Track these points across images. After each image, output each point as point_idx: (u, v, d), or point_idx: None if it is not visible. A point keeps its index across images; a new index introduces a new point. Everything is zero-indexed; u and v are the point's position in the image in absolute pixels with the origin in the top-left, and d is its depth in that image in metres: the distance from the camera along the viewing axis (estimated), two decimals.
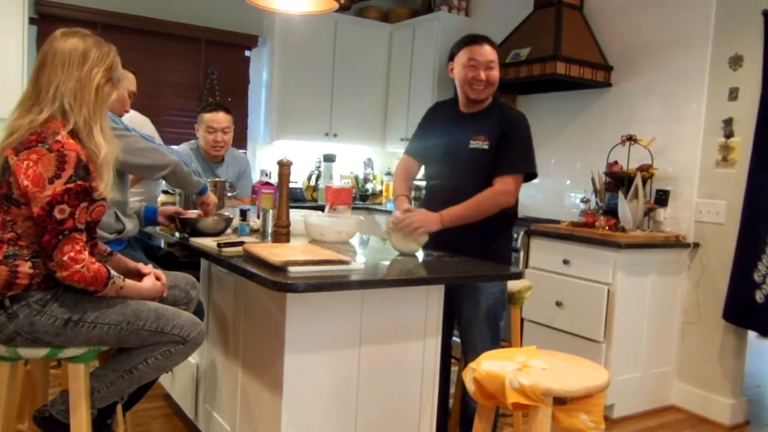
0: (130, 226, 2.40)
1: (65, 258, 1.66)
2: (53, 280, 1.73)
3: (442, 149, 2.56)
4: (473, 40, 2.47)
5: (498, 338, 2.47)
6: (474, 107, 2.51)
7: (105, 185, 1.75)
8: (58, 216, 1.65)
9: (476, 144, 2.44)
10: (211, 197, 2.59)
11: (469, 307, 2.43)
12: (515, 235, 3.73)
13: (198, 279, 2.26)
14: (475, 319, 2.43)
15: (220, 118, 3.33)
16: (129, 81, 2.54)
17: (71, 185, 1.66)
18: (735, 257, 3.22)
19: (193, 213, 2.58)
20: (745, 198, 3.20)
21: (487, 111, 2.50)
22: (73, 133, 1.72)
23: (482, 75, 2.42)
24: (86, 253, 1.71)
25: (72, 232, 1.68)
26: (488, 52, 2.44)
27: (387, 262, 2.25)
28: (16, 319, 1.70)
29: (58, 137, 1.68)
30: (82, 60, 1.75)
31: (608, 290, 3.26)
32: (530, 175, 2.50)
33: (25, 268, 1.70)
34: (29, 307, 1.70)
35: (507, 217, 2.51)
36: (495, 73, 2.45)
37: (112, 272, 1.77)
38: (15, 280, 1.69)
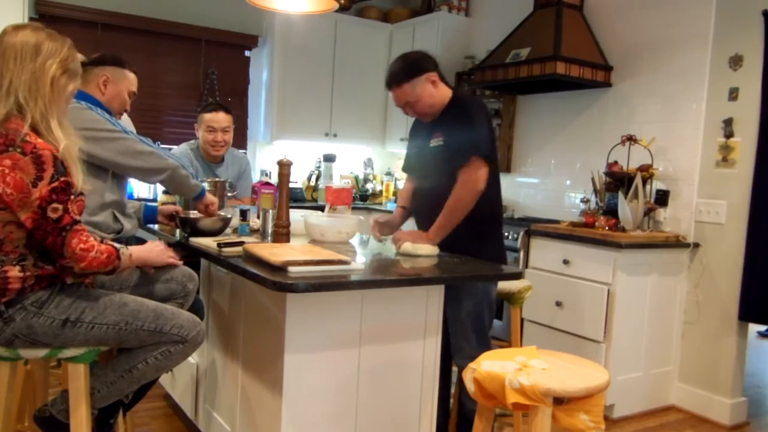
0: (129, 226, 2.40)
1: (77, 251, 1.68)
2: (47, 280, 1.73)
3: (416, 158, 2.65)
4: (386, 85, 2.49)
5: (485, 340, 2.44)
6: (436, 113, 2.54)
7: (77, 179, 1.74)
8: (53, 215, 1.65)
9: (434, 143, 2.48)
10: (210, 198, 2.58)
11: (451, 307, 2.39)
12: (509, 234, 3.73)
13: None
14: (456, 319, 2.41)
15: (220, 118, 3.33)
16: (130, 81, 2.53)
17: (55, 184, 1.65)
18: (746, 257, 3.22)
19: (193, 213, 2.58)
20: (752, 197, 3.20)
21: (444, 110, 2.50)
22: (33, 129, 1.69)
23: (410, 112, 2.51)
24: (92, 239, 1.72)
25: (72, 225, 1.68)
26: (399, 96, 2.46)
27: (387, 263, 2.25)
28: (13, 322, 1.69)
29: (26, 137, 1.65)
30: (34, 53, 1.71)
31: (608, 290, 3.26)
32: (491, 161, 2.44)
33: (15, 272, 1.69)
34: (25, 309, 1.70)
35: (486, 217, 2.47)
36: (419, 106, 2.46)
37: (115, 245, 1.80)
38: (7, 286, 1.68)
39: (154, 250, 2.02)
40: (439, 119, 2.50)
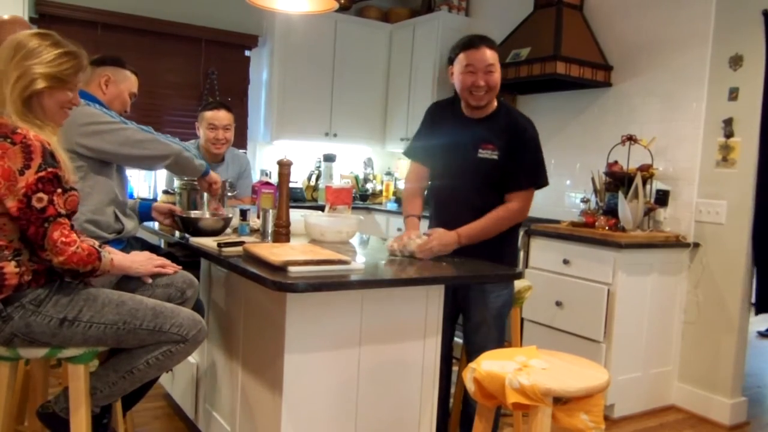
0: (130, 225, 2.40)
1: (58, 243, 1.66)
2: (45, 277, 1.73)
3: (449, 156, 2.48)
4: (470, 43, 2.38)
5: (503, 339, 2.48)
6: (478, 112, 2.44)
7: (67, 173, 1.74)
8: (38, 205, 1.65)
9: (485, 153, 2.39)
10: (214, 176, 2.60)
11: (478, 310, 2.42)
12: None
13: (198, 279, 2.26)
14: (483, 322, 2.42)
15: (222, 116, 3.34)
16: (131, 82, 2.53)
17: (42, 173, 1.65)
18: (755, 254, 3.24)
19: (196, 213, 2.59)
20: (757, 196, 3.21)
21: (493, 117, 2.43)
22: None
23: (481, 81, 2.34)
24: (74, 234, 1.71)
25: (56, 217, 1.67)
26: (487, 56, 2.34)
27: (387, 262, 2.24)
28: (11, 321, 1.69)
29: (18, 129, 1.66)
30: (12, 52, 1.71)
31: (608, 290, 3.26)
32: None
33: (11, 268, 1.69)
34: (23, 307, 1.70)
35: (510, 228, 2.50)
36: (495, 77, 2.36)
37: (98, 247, 1.79)
38: (4, 282, 1.67)
39: (137, 260, 1.98)
40: (488, 126, 2.41)
